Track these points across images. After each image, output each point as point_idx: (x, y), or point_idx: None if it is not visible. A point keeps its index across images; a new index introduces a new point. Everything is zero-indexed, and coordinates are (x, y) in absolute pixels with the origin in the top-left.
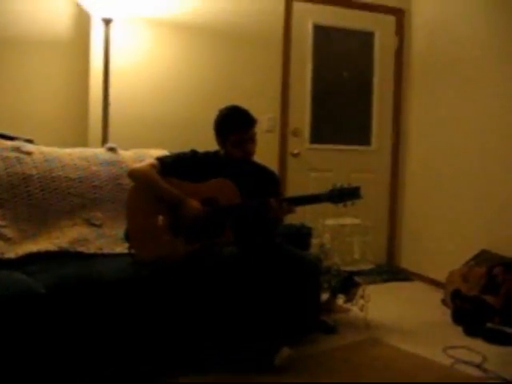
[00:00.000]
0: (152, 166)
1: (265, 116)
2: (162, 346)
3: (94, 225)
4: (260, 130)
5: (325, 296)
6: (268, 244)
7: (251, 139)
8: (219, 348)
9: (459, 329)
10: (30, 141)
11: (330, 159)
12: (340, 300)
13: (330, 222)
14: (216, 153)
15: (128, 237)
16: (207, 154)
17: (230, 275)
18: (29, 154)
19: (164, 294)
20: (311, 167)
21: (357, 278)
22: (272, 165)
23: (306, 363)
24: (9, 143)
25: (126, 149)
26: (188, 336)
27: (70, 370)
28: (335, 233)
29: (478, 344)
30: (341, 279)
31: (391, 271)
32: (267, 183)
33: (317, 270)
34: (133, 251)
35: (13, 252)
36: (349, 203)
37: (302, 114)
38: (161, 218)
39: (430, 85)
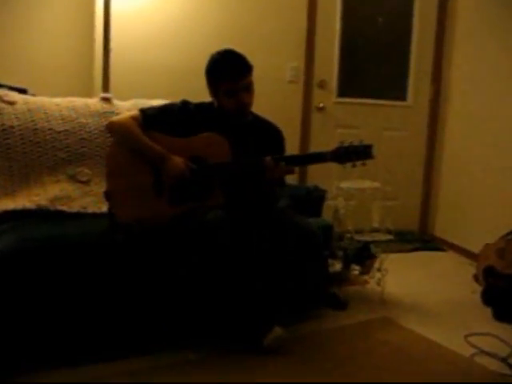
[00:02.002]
0: (133, 118)
1: (287, 65)
2: (138, 319)
3: (80, 181)
4: (282, 80)
5: (338, 265)
6: (262, 208)
7: (246, 88)
8: (201, 324)
9: (488, 311)
10: (22, 90)
11: (358, 115)
12: (356, 271)
13: (345, 184)
14: (210, 104)
15: (108, 196)
16: (199, 106)
17: (214, 242)
18: (11, 103)
19: (140, 262)
20: (337, 123)
21: (375, 248)
22: (294, 119)
23: (301, 344)
24: None
25: (126, 99)
26: (167, 308)
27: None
28: (351, 197)
29: (508, 332)
30: (355, 249)
31: (422, 239)
32: (268, 139)
33: (322, 240)
34: (113, 211)
35: None
36: (358, 163)
37: (329, 64)
38: (142, 176)
39: (477, 34)
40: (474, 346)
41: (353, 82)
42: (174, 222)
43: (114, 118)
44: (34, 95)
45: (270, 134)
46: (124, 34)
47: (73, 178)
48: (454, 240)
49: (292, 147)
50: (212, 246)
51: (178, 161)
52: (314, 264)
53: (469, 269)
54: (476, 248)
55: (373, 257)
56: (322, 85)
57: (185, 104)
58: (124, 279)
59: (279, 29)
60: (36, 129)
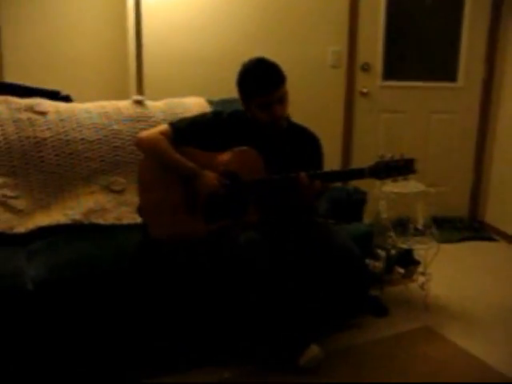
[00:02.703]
0: (162, 133)
1: (329, 49)
2: (170, 338)
3: (114, 191)
4: (324, 64)
5: (380, 266)
6: (298, 225)
7: (280, 101)
8: (237, 342)
9: None
10: (54, 93)
11: (405, 98)
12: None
13: (387, 187)
14: (244, 113)
15: (141, 212)
16: (232, 116)
17: (252, 269)
18: (43, 114)
19: (173, 280)
20: (383, 108)
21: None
22: (337, 105)
23: (337, 361)
24: (22, 102)
25: (160, 96)
26: (202, 326)
27: (61, 368)
28: (393, 200)
29: None
30: (397, 253)
31: (472, 227)
32: (305, 148)
33: (360, 256)
34: (147, 228)
35: (23, 226)
36: (399, 178)
37: (374, 46)
38: (175, 192)
39: None
40: None
41: (399, 65)
42: (209, 238)
43: (143, 134)
44: (67, 96)
45: (306, 142)
46: (156, 26)
47: (107, 188)
48: (506, 229)
49: (335, 135)
50: (249, 272)
51: (210, 177)
52: (354, 282)
53: None
54: None
55: (416, 263)
56: (366, 68)
57: (217, 115)
58: (157, 297)
59: (319, 10)
60: (68, 140)
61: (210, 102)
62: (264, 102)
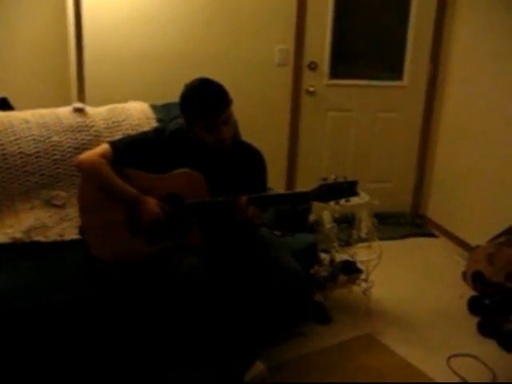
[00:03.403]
0: (103, 155)
1: (276, 47)
2: (113, 360)
3: (55, 206)
4: (271, 63)
5: (324, 272)
6: (239, 248)
7: (225, 122)
8: (179, 362)
9: (474, 322)
10: (3, 100)
11: (351, 97)
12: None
13: None
14: (186, 131)
15: (82, 232)
16: (174, 134)
17: (188, 294)
18: None
19: (120, 301)
20: (329, 106)
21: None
22: (284, 104)
23: (280, 375)
24: None
25: (103, 100)
26: (139, 347)
27: None
28: (337, 211)
29: (492, 350)
30: (340, 263)
31: (414, 223)
32: (248, 165)
33: (304, 276)
34: (88, 248)
35: None
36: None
37: (321, 44)
38: (117, 214)
39: (478, 13)
40: (455, 372)
41: (345, 64)
42: (151, 260)
43: (83, 157)
44: (3, 99)
45: (249, 160)
46: (97, 27)
47: (48, 203)
48: (447, 225)
49: (282, 134)
50: (188, 298)
51: (151, 204)
52: (296, 299)
53: (460, 262)
54: (469, 237)
55: (358, 271)
56: (313, 67)
57: (158, 134)
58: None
59: (266, 8)
60: (5, 153)
61: (154, 108)
62: (209, 125)
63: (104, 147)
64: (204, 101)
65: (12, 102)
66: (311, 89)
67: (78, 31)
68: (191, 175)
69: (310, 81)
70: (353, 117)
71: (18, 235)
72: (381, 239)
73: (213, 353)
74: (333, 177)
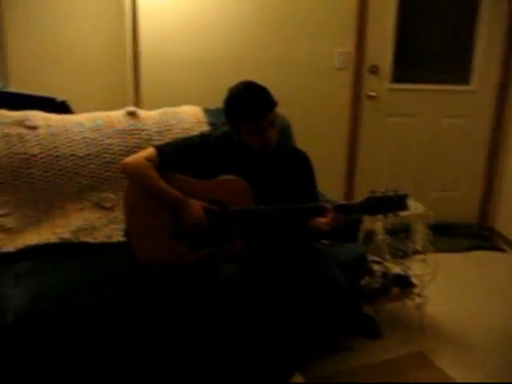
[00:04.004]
0: (148, 158)
1: (335, 50)
2: (147, 367)
3: (104, 208)
4: (330, 67)
5: (377, 284)
6: (285, 258)
7: (271, 125)
8: (215, 372)
9: None
10: (50, 99)
11: (414, 102)
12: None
13: None
14: (232, 135)
15: (127, 235)
16: (219, 139)
17: (225, 301)
18: (33, 128)
19: (163, 306)
20: (391, 112)
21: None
22: (343, 109)
23: None
24: (13, 116)
25: (158, 103)
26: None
27: None
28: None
29: None
30: (392, 276)
31: (481, 235)
32: (295, 167)
33: (350, 291)
34: (133, 252)
35: (12, 244)
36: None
37: (383, 47)
38: (161, 218)
39: None
40: None
41: (408, 67)
42: (193, 266)
43: (128, 160)
44: (62, 102)
45: (296, 162)
46: (153, 30)
47: (97, 205)
48: None
49: (340, 140)
50: (228, 306)
51: (195, 207)
52: (342, 314)
53: None
54: None
55: (412, 285)
56: (374, 71)
57: (204, 139)
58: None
59: (325, 9)
60: (58, 155)
61: (206, 112)
62: (255, 128)
63: (150, 151)
64: (250, 103)
65: (71, 105)
66: (372, 93)
67: (135, 35)
68: (236, 182)
69: (370, 85)
70: (415, 123)
71: (67, 236)
72: (442, 251)
73: (250, 364)
74: (382, 189)
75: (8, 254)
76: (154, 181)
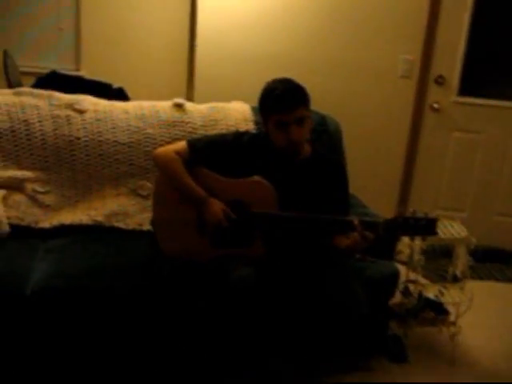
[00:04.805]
0: (178, 152)
1: (400, 57)
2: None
3: (140, 195)
4: (393, 74)
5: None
6: (305, 270)
7: (298, 122)
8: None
9: None
10: (106, 85)
11: (482, 117)
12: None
13: None
14: (266, 137)
15: (153, 224)
16: (254, 138)
17: (236, 303)
18: (81, 112)
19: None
20: (455, 126)
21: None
22: (403, 120)
23: None
24: (64, 98)
25: (210, 97)
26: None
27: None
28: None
29: None
30: (427, 300)
31: None
32: (326, 176)
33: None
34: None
35: (48, 221)
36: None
37: (452, 56)
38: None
39: None
40: None
41: (479, 79)
42: (212, 263)
43: (159, 151)
44: (120, 89)
45: (328, 169)
46: (211, 23)
47: (133, 192)
48: None
49: (397, 152)
50: (234, 306)
51: (216, 207)
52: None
53: None
54: None
55: (446, 312)
56: (440, 81)
57: (237, 137)
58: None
59: (393, 13)
60: (101, 140)
61: (254, 110)
62: (280, 121)
63: (181, 144)
64: (279, 94)
65: (129, 92)
66: (436, 105)
67: (192, 29)
68: (262, 185)
69: (435, 96)
70: (481, 140)
71: (100, 218)
72: (486, 279)
73: (261, 374)
74: (411, 209)
75: (43, 230)
76: (179, 175)
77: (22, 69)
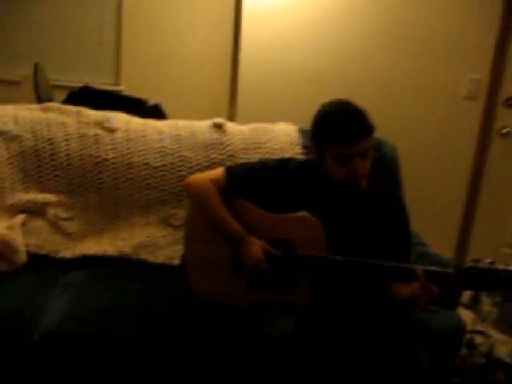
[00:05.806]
0: (214, 180)
1: (465, 76)
2: None
3: (171, 226)
4: (456, 95)
5: (478, 358)
6: (355, 324)
7: (361, 155)
8: None
9: None
10: (141, 102)
11: None
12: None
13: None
14: (316, 165)
15: (185, 259)
16: (302, 166)
17: (271, 363)
18: (111, 131)
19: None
20: None
21: None
22: (466, 146)
23: None
24: (94, 115)
25: (253, 117)
26: None
27: None
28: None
29: None
30: (497, 360)
31: None
32: (390, 217)
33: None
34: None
35: (69, 251)
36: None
37: None
38: (221, 248)
39: None
40: None
41: None
42: (247, 309)
43: (192, 179)
44: (155, 106)
45: (388, 208)
46: (255, 39)
47: (164, 222)
48: None
49: (458, 182)
50: (269, 365)
51: (255, 246)
52: None
53: None
54: None
55: None
56: (511, 103)
57: (282, 164)
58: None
59: (459, 27)
60: (131, 163)
61: (302, 132)
62: (342, 154)
63: (218, 171)
64: (342, 121)
65: (167, 110)
66: (505, 130)
67: (236, 42)
68: (309, 222)
69: (504, 120)
70: None
71: (127, 250)
72: None
73: None
74: (488, 260)
75: (63, 260)
76: (214, 208)
77: (57, 82)
